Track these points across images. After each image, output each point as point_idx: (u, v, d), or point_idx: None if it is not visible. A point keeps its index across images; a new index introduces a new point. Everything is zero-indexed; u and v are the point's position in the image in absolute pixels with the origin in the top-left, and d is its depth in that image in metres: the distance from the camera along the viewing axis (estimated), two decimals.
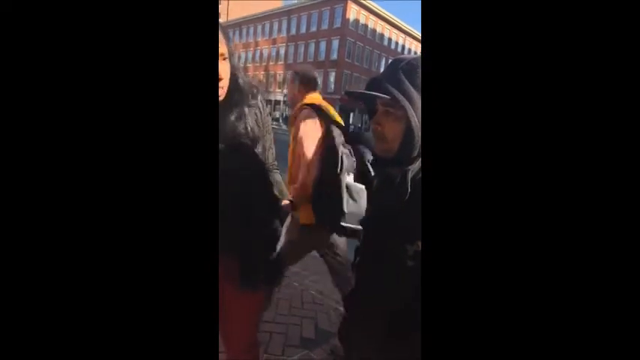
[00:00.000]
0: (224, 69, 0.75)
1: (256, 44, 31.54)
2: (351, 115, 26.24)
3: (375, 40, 27.49)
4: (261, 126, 0.86)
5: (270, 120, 0.93)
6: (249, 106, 0.84)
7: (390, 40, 29.38)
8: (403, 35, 30.59)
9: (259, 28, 31.27)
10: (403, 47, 30.69)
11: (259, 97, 0.88)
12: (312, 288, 2.04)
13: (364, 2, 25.25)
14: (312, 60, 26.64)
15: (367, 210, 0.76)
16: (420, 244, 0.57)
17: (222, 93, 0.76)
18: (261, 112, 0.87)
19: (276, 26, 29.78)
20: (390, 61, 0.71)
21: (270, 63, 30.46)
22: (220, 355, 1.33)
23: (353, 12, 24.87)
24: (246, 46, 32.47)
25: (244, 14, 31.46)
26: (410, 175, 0.59)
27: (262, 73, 30.72)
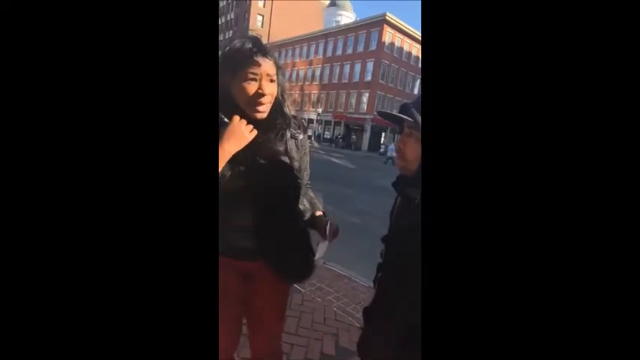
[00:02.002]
0: (270, 90, 0.81)
1: (293, 65, 32.82)
2: (383, 134, 26.18)
3: (409, 63, 27.59)
4: (299, 147, 0.93)
5: (308, 142, 0.99)
6: (293, 137, 0.91)
7: None
8: None
9: (297, 49, 32.61)
10: None
11: (306, 135, 0.96)
12: (334, 305, 2.05)
13: (400, 26, 25.62)
14: (346, 81, 27.20)
15: (389, 228, 0.80)
16: None
17: (264, 110, 0.82)
18: (301, 136, 0.95)
19: (313, 48, 30.92)
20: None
21: (306, 83, 31.47)
22: None
23: (388, 35, 25.28)
24: (283, 66, 33.75)
25: (285, 37, 33.09)
26: None
27: (297, 92, 31.76)
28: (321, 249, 0.90)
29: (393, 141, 19.04)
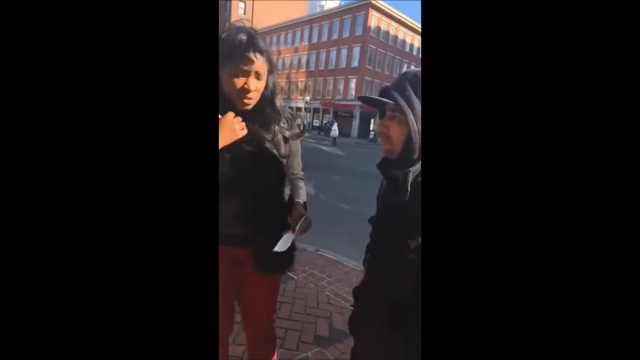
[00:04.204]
0: (257, 86, 0.82)
1: (279, 52, 32.22)
2: (372, 120, 26.19)
3: (396, 47, 27.38)
4: (288, 137, 0.93)
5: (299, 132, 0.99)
6: (281, 131, 0.90)
7: (411, 46, 29.17)
8: None
9: (282, 36, 31.99)
10: None
11: (303, 135, 0.97)
12: (327, 289, 2.09)
13: (386, 9, 25.30)
14: (333, 67, 26.91)
15: (377, 209, 0.81)
16: (419, 239, 0.62)
17: (250, 103, 0.84)
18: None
19: (298, 35, 30.36)
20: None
21: (292, 71, 31.01)
22: (239, 348, 1.41)
23: (374, 19, 24.96)
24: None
25: (268, 24, 32.33)
26: (410, 177, 0.64)
27: (284, 80, 31.30)
28: (284, 241, 0.85)
29: (335, 122, 19.54)
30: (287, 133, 0.93)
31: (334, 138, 16.28)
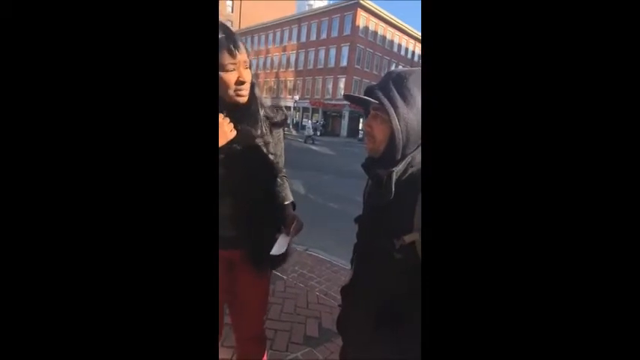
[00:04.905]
0: (248, 76, 0.83)
1: (267, 51, 32.03)
2: (361, 120, 26.30)
3: (384, 47, 27.57)
4: (273, 133, 0.94)
5: (282, 129, 1.01)
6: (267, 117, 0.92)
7: (399, 46, 29.42)
8: (413, 41, 30.61)
9: (270, 35, 31.80)
10: (413, 53, 30.69)
11: (284, 126, 0.98)
12: (317, 289, 2.09)
13: (374, 9, 25.44)
14: (322, 67, 26.91)
15: (363, 208, 0.82)
16: (405, 238, 0.63)
17: (245, 95, 0.84)
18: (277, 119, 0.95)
19: (286, 34, 30.24)
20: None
21: (281, 70, 30.87)
22: (229, 350, 1.40)
23: (362, 19, 25.06)
24: (257, 53, 32.97)
25: (256, 22, 32.10)
26: (394, 177, 0.65)
27: (273, 79, 31.15)
28: (280, 243, 0.87)
29: (310, 120, 19.85)
30: (276, 119, 0.94)
31: (308, 136, 16.84)
